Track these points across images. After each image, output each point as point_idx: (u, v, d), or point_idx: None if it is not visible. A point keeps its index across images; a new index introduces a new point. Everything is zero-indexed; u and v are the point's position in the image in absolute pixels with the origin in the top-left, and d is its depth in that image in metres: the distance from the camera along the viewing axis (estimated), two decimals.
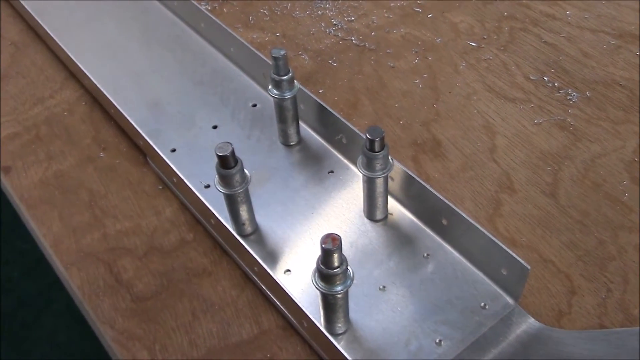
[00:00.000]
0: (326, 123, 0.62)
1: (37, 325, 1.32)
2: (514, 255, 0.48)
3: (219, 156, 0.50)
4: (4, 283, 1.38)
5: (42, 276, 1.36)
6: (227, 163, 0.50)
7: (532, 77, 0.71)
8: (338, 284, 0.45)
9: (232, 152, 0.50)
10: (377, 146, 0.50)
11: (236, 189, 0.52)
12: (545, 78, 0.71)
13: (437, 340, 0.49)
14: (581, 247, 0.56)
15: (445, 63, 0.74)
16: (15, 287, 1.37)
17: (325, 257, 0.43)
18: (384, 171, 0.52)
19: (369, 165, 0.52)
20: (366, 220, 0.57)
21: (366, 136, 0.50)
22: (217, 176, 0.52)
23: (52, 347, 1.28)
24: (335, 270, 0.44)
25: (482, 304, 0.51)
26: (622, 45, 0.74)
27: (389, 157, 0.52)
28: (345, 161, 0.61)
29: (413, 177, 0.54)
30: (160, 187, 0.63)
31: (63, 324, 1.30)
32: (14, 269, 1.40)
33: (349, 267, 0.45)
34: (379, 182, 0.53)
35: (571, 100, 0.68)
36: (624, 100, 0.68)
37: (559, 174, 0.62)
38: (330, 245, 0.42)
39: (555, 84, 0.70)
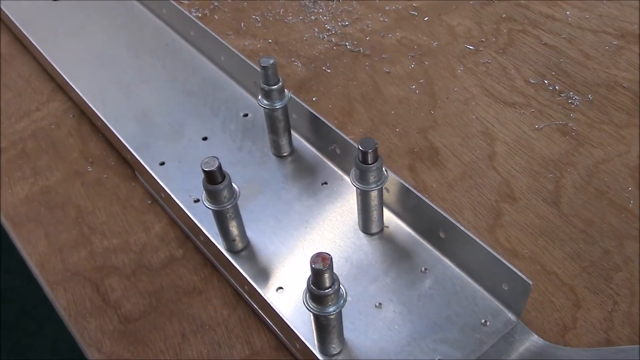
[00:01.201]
0: (319, 133, 0.60)
1: (39, 334, 1.31)
2: (515, 270, 0.46)
3: (205, 171, 0.48)
4: (6, 292, 1.37)
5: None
6: (214, 178, 0.48)
7: (532, 81, 0.69)
8: (330, 305, 0.43)
9: (219, 167, 0.48)
10: (370, 158, 0.48)
11: (224, 205, 0.49)
12: (546, 81, 0.69)
13: None
14: (585, 258, 0.54)
15: (443, 68, 0.72)
16: (17, 296, 1.36)
17: (316, 277, 0.41)
18: (378, 183, 0.50)
19: (362, 178, 0.50)
20: (361, 234, 0.55)
21: (358, 148, 0.48)
22: (204, 192, 0.50)
23: (54, 355, 1.26)
24: (326, 291, 0.42)
25: (483, 320, 0.48)
26: (625, 45, 0.72)
27: (383, 169, 0.50)
28: (340, 172, 0.59)
29: (409, 189, 0.52)
30: (150, 202, 0.61)
31: (65, 333, 1.28)
32: (15, 278, 1.39)
33: (341, 286, 0.43)
34: (374, 194, 0.51)
35: (573, 103, 0.66)
36: (628, 102, 0.66)
37: (561, 181, 0.60)
38: (321, 265, 0.40)
39: (556, 87, 0.68)
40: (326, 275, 0.41)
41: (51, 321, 1.32)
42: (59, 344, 1.28)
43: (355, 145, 0.55)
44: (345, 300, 0.43)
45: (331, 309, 0.43)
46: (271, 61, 0.54)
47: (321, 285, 0.42)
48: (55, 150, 0.67)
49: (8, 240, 1.39)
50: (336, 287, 0.42)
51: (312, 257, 0.41)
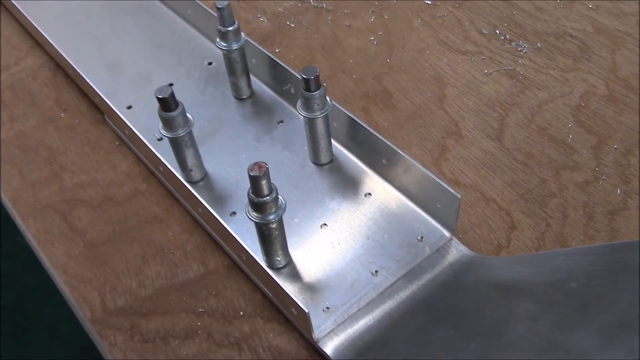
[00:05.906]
0: (276, 76, 0.63)
1: (38, 317, 1.33)
2: (445, 186, 0.49)
3: (159, 99, 0.51)
4: (5, 277, 1.40)
5: (44, 270, 1.38)
6: (167, 105, 0.51)
7: (484, 31, 0.72)
8: (269, 213, 0.46)
9: (172, 95, 0.51)
10: (312, 85, 0.51)
11: (179, 132, 0.53)
12: (497, 31, 0.72)
13: (374, 271, 0.50)
14: (523, 186, 0.57)
15: (401, 21, 0.75)
16: (16, 281, 1.39)
17: (254, 184, 0.45)
18: (322, 111, 0.53)
19: (307, 106, 0.53)
20: (311, 165, 0.58)
21: (301, 76, 0.51)
22: (160, 122, 0.53)
23: (53, 338, 1.30)
24: (265, 199, 0.45)
25: (419, 237, 0.52)
26: None
27: (327, 98, 0.53)
28: (295, 111, 0.63)
29: (354, 120, 0.55)
30: (117, 143, 0.65)
31: (64, 316, 1.31)
32: (15, 264, 1.42)
33: (280, 197, 0.47)
34: (319, 123, 0.54)
35: (522, 51, 0.70)
36: (574, 50, 0.69)
37: (505, 119, 0.63)
38: (257, 172, 0.44)
39: (507, 37, 0.71)
40: (263, 182, 0.44)
41: (50, 305, 1.35)
42: (57, 327, 1.31)
43: None
44: (284, 210, 0.47)
45: (271, 217, 0.46)
46: (226, 3, 0.58)
47: (259, 192, 0.45)
48: (32, 100, 0.70)
49: (7, 227, 1.41)
50: (274, 195, 0.46)
51: (249, 166, 0.44)
